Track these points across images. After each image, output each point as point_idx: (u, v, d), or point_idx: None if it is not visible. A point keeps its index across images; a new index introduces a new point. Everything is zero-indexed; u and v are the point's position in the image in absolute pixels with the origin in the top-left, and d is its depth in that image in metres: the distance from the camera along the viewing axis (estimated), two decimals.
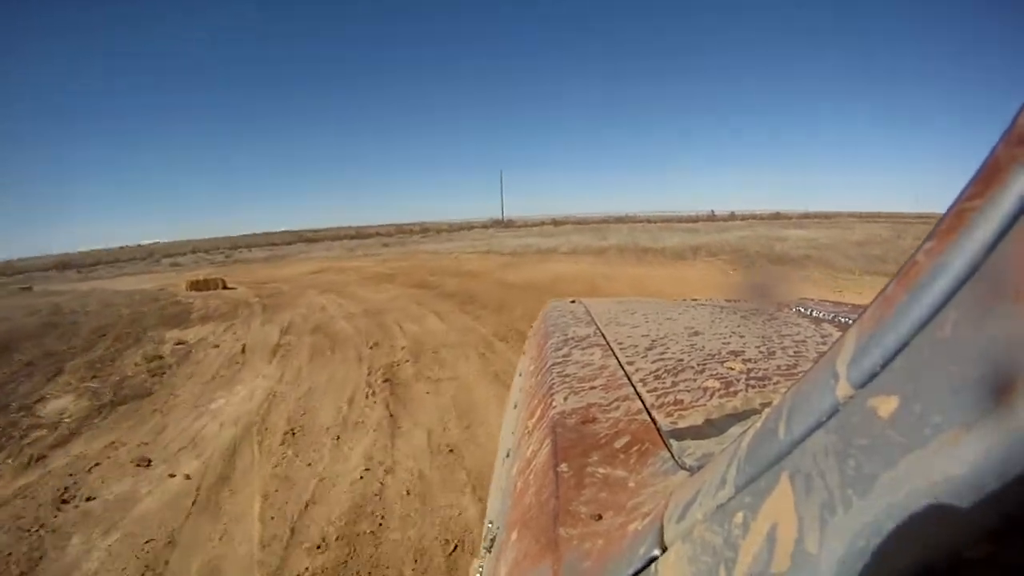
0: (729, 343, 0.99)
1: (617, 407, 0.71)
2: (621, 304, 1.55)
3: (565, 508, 0.49)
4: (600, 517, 0.46)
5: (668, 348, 0.98)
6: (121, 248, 43.73)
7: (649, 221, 36.52)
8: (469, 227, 39.91)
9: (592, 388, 0.80)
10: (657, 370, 0.84)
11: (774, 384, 0.74)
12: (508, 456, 0.85)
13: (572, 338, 1.13)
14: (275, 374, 4.60)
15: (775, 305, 1.42)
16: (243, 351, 5.38)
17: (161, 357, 5.35)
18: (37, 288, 14.82)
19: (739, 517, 0.27)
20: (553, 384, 0.84)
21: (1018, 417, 0.15)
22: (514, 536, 0.54)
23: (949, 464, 0.17)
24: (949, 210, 0.20)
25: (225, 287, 10.83)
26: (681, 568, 0.30)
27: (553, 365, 0.95)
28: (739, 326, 1.16)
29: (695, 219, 36.41)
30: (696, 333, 1.09)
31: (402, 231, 38.00)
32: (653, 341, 1.04)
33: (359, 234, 37.48)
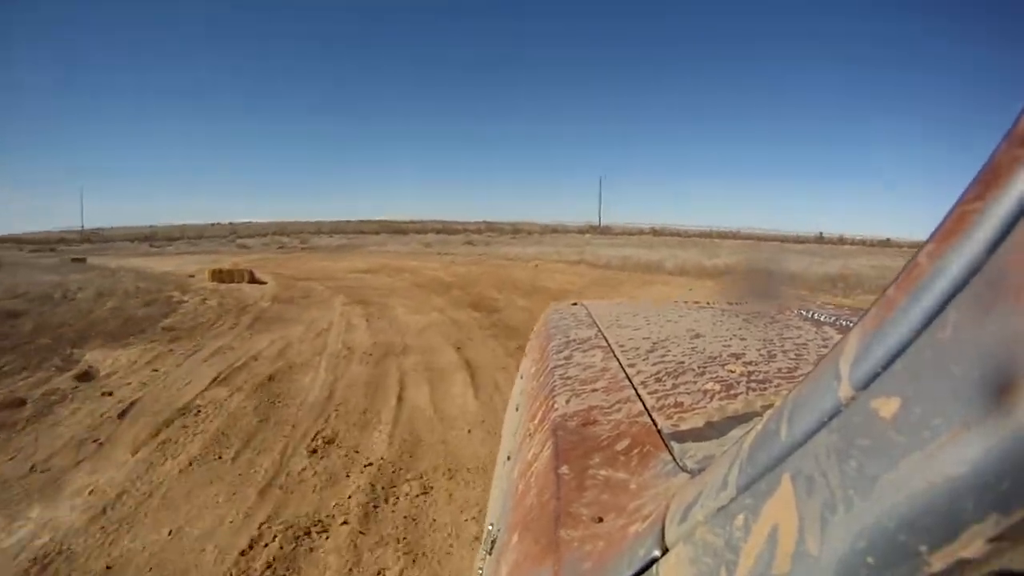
0: (730, 346, 0.98)
1: (618, 409, 0.70)
2: (623, 307, 1.53)
3: (566, 510, 0.48)
4: (601, 519, 0.45)
5: (669, 351, 0.96)
6: (213, 225, 46.40)
7: (755, 239, 32.41)
8: (564, 231, 36.74)
9: (593, 390, 0.79)
10: (658, 372, 0.83)
11: (775, 387, 0.74)
12: (509, 459, 0.84)
13: (574, 340, 1.11)
14: (110, 488, 2.49)
15: (776, 308, 1.39)
16: (122, 416, 3.21)
17: (21, 403, 3.44)
18: (90, 260, 14.78)
19: (740, 518, 0.27)
20: (555, 386, 0.83)
21: (1018, 417, 0.15)
22: (515, 538, 0.53)
23: (950, 464, 0.17)
24: (950, 212, 0.20)
25: (252, 280, 9.41)
26: (682, 570, 0.30)
27: (555, 367, 0.93)
28: (740, 329, 1.15)
29: (803, 240, 33.13)
30: (697, 336, 1.08)
31: (492, 229, 35.55)
32: (655, 344, 1.02)
33: (446, 229, 35.27)
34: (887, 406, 0.20)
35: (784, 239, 32.37)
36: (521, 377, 1.23)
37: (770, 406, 0.29)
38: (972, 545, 0.16)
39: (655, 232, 36.34)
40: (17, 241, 33.61)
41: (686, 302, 1.64)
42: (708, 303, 1.60)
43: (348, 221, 48.64)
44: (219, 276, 9.25)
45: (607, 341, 1.07)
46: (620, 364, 0.90)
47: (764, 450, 0.27)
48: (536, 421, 0.77)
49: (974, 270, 0.18)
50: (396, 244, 22.49)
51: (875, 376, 0.21)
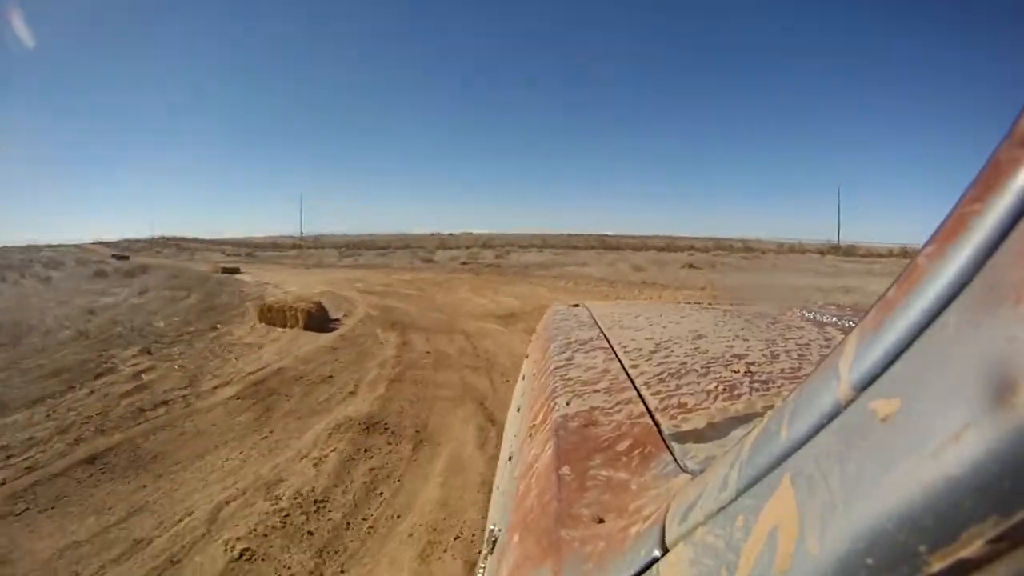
0: (733, 346, 0.98)
1: (620, 410, 0.70)
2: (625, 308, 1.52)
3: (567, 511, 0.48)
4: (602, 520, 0.45)
5: (672, 351, 0.96)
6: (432, 235, 50.98)
7: None
8: (801, 249, 29.71)
9: (595, 391, 0.79)
10: (660, 373, 0.83)
11: (777, 387, 0.74)
12: (510, 459, 0.84)
13: (575, 341, 1.11)
14: None
15: (779, 308, 1.39)
16: None
17: None
18: (243, 270, 15.56)
19: (740, 519, 0.27)
20: (556, 387, 0.84)
21: (1018, 418, 0.15)
22: (516, 538, 0.53)
23: (950, 465, 0.17)
24: (950, 213, 0.20)
25: (310, 324, 6.97)
26: (682, 570, 0.30)
27: (556, 368, 0.93)
28: (743, 329, 1.14)
29: None
30: (700, 336, 1.07)
31: (720, 247, 30.14)
32: (657, 344, 1.02)
33: (668, 246, 30.63)
34: (887, 407, 0.20)
35: None
36: (523, 378, 1.23)
37: (772, 407, 0.29)
38: (972, 545, 0.16)
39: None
40: (237, 244, 36.25)
41: (688, 303, 1.59)
42: (710, 304, 1.56)
43: (570, 234, 48.40)
44: (268, 317, 7.22)
45: (609, 342, 1.07)
46: (622, 365, 0.89)
47: (764, 451, 0.27)
48: (537, 422, 0.77)
49: (974, 271, 0.18)
50: (600, 265, 17.73)
51: (875, 377, 0.21)
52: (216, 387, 4.82)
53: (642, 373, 0.84)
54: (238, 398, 4.53)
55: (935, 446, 0.17)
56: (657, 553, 0.33)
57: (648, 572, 0.33)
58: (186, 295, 10.00)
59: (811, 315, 1.30)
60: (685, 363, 0.87)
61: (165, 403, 4.43)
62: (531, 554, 0.46)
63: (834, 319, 1.25)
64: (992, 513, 0.15)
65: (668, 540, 0.32)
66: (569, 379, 0.86)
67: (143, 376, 5.12)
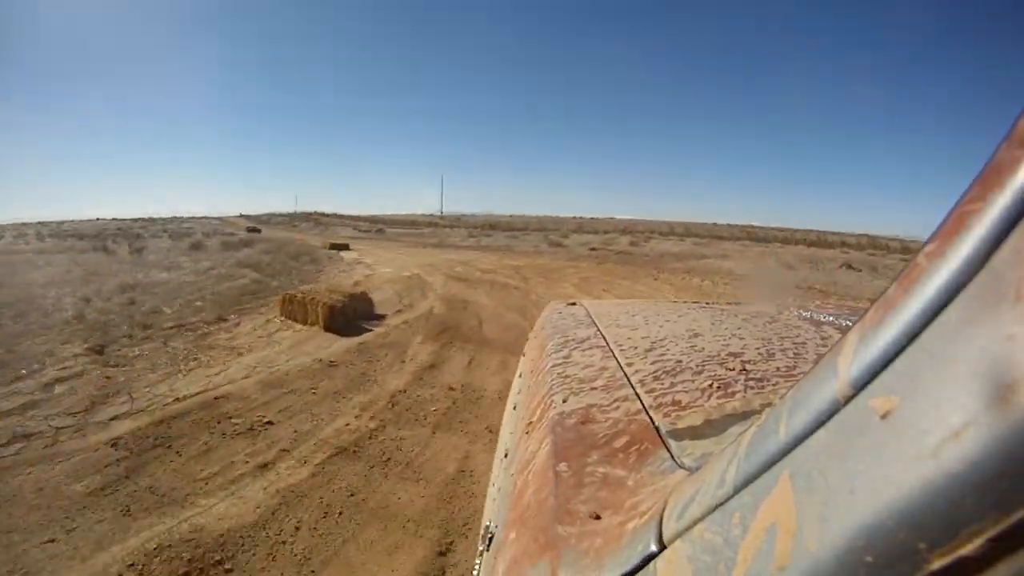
0: (729, 345, 0.97)
1: (616, 407, 0.70)
2: (621, 306, 1.50)
3: (564, 507, 0.48)
4: (599, 516, 0.45)
5: (668, 350, 0.96)
6: (574, 217, 50.26)
7: None
8: None
9: (592, 389, 0.79)
10: (657, 371, 0.83)
11: (773, 385, 0.74)
12: (507, 456, 0.83)
13: (572, 339, 1.10)
14: None
15: (776, 307, 1.37)
16: None
17: None
18: (353, 247, 15.27)
19: (738, 516, 0.26)
20: (553, 385, 0.83)
21: (1018, 416, 0.15)
22: (513, 535, 0.52)
23: (950, 463, 0.17)
24: (950, 212, 0.20)
25: (330, 325, 5.54)
26: (680, 566, 0.30)
27: (553, 366, 0.93)
28: (739, 328, 1.13)
29: None
30: (696, 335, 1.06)
31: (875, 245, 25.12)
32: (653, 343, 1.02)
33: (819, 241, 26.20)
34: (886, 405, 0.20)
35: None
36: (520, 376, 1.22)
37: (768, 404, 0.29)
38: (972, 544, 0.16)
39: None
40: (373, 220, 38.14)
41: (685, 301, 1.57)
42: (707, 303, 1.54)
43: (715, 223, 46.05)
44: (289, 311, 6.00)
45: (606, 340, 1.06)
46: (618, 363, 0.89)
47: (762, 448, 0.26)
48: (534, 419, 0.76)
49: (974, 270, 0.18)
50: (742, 259, 14.99)
51: (874, 375, 0.21)
52: (114, 418, 3.50)
53: (638, 371, 0.83)
54: (113, 445, 3.11)
55: (935, 444, 0.17)
56: (654, 549, 0.32)
57: (645, 568, 0.33)
58: (245, 274, 8.97)
59: (808, 314, 1.29)
60: (680, 361, 0.86)
61: (27, 437, 3.22)
62: (528, 550, 0.46)
63: (831, 318, 1.23)
64: (992, 511, 0.15)
65: (665, 536, 0.32)
66: (566, 377, 0.85)
67: (54, 387, 4.00)
